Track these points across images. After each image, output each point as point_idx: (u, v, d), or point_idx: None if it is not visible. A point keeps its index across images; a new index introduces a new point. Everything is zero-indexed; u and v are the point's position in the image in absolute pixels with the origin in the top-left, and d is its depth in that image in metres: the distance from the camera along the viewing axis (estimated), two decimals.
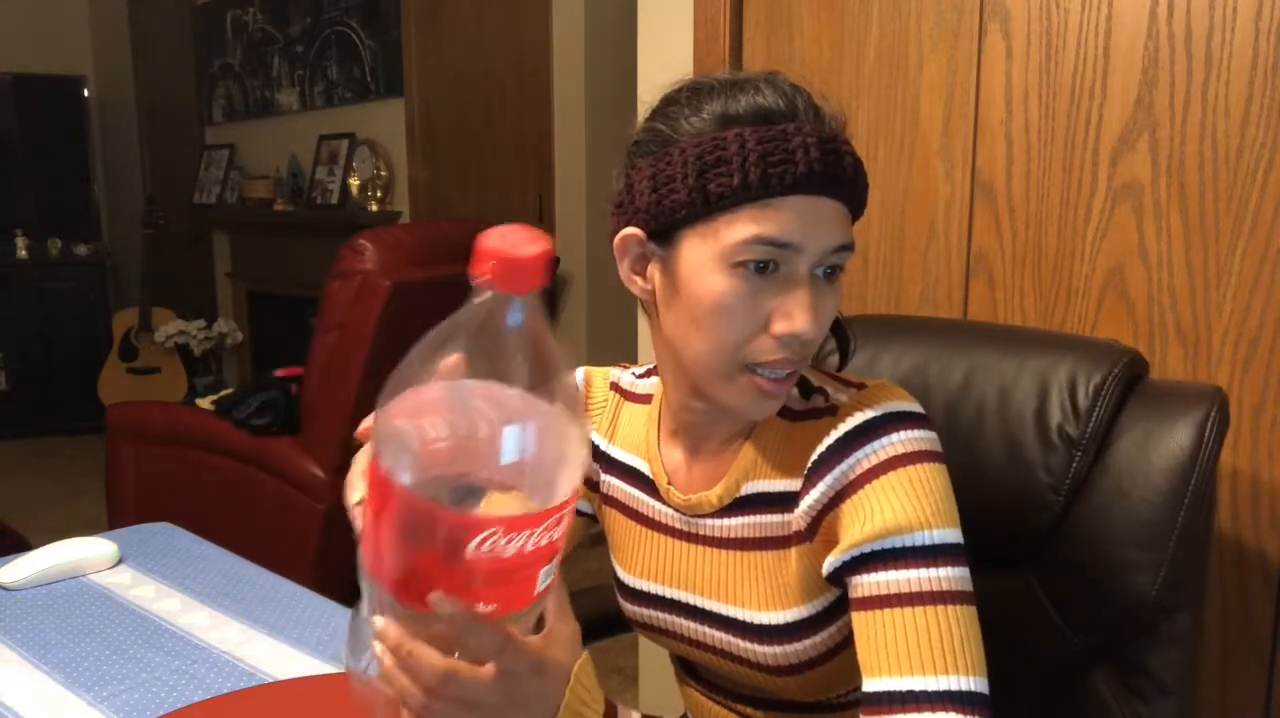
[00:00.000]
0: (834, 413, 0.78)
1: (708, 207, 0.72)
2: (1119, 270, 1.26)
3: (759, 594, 0.82)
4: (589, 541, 0.99)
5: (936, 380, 1.02)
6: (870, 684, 0.70)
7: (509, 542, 0.53)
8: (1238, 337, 1.18)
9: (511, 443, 0.53)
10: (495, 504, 0.54)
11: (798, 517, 0.79)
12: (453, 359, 0.53)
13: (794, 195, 0.72)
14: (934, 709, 0.67)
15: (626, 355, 1.75)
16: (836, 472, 0.76)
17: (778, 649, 0.81)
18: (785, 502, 0.80)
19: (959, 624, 0.70)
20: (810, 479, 0.78)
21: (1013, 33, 1.32)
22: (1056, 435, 0.93)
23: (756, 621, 0.82)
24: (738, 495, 0.83)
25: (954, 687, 0.67)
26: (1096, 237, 1.27)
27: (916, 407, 0.77)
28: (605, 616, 1.10)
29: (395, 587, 0.56)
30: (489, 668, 0.58)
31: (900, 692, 0.68)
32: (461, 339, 0.53)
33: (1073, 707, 0.93)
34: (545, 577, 0.57)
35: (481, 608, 0.55)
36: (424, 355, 0.54)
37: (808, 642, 0.81)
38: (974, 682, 0.68)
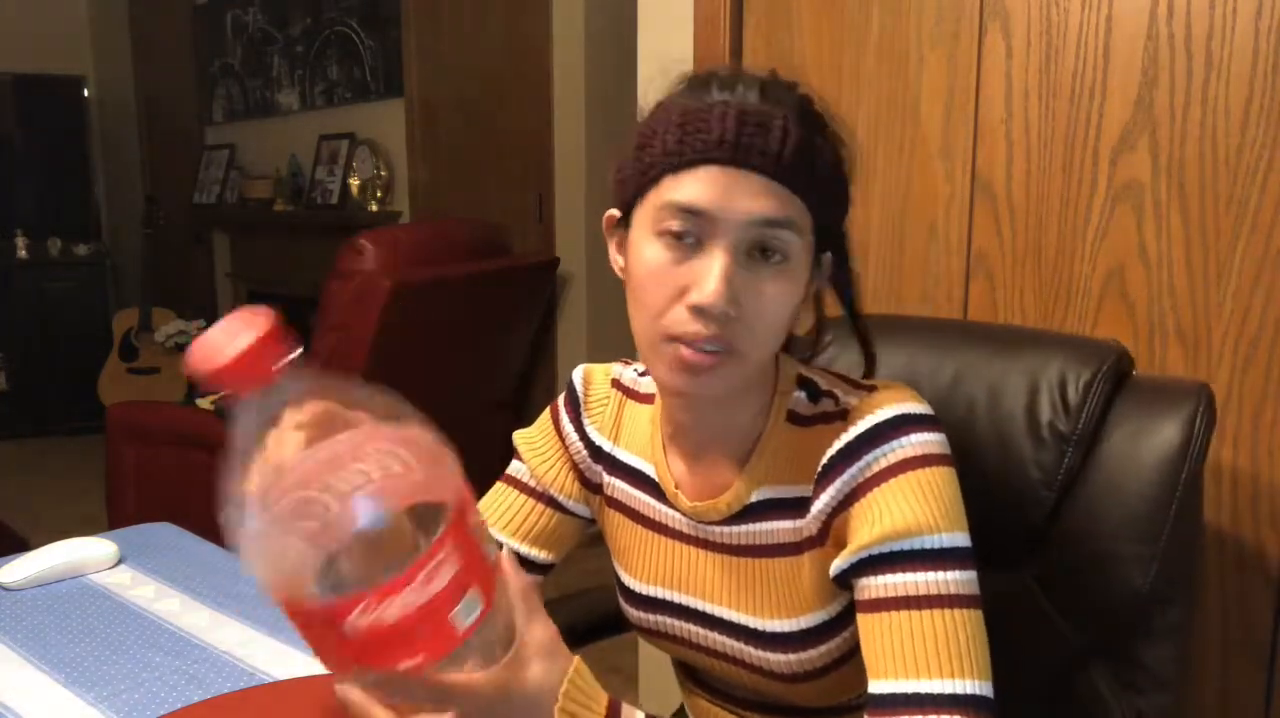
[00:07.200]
0: (844, 417, 0.78)
1: (643, 178, 0.74)
2: (1119, 270, 1.26)
3: (771, 602, 0.81)
4: (587, 540, 0.98)
5: (926, 380, 1.01)
6: (875, 686, 0.70)
7: (387, 607, 0.52)
8: (1238, 337, 1.18)
9: (359, 516, 0.51)
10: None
11: (809, 522, 0.78)
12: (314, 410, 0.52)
13: (712, 165, 0.71)
14: (939, 712, 0.67)
15: (627, 355, 1.75)
16: (847, 475, 0.75)
17: (792, 657, 0.81)
18: (797, 507, 0.80)
19: (965, 628, 0.69)
20: (821, 483, 0.77)
21: (1013, 33, 1.32)
22: (1047, 432, 0.93)
23: (769, 628, 0.81)
24: (747, 502, 0.81)
25: (959, 690, 0.67)
26: (1096, 237, 1.27)
27: (927, 408, 0.77)
28: (604, 616, 1.10)
29: (326, 664, 0.57)
30: (446, 716, 0.58)
31: (905, 694, 0.68)
32: (255, 452, 0.53)
33: (1072, 703, 0.93)
34: (466, 613, 0.55)
35: (406, 664, 0.55)
36: (234, 479, 0.53)
37: (822, 648, 0.80)
38: (979, 686, 0.68)
